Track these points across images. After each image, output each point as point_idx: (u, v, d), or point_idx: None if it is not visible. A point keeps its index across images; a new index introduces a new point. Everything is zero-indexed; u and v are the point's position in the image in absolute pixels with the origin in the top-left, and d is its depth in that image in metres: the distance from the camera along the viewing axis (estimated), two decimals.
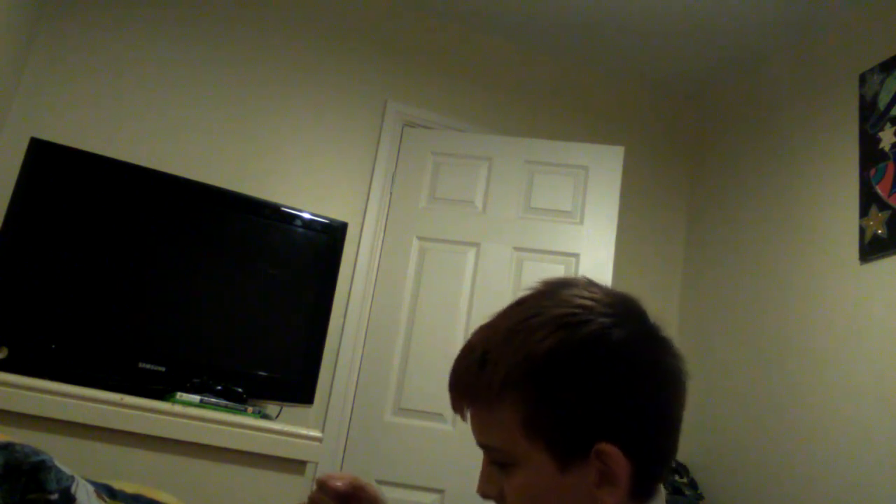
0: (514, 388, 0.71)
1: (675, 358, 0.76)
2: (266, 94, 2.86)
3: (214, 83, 2.79)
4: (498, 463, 0.74)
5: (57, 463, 0.89)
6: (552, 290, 0.76)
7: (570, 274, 2.77)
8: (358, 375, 2.75)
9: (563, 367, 0.70)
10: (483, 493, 0.76)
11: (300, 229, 2.58)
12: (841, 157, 2.58)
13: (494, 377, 0.72)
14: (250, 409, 2.09)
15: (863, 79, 2.54)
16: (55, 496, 0.85)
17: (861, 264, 2.39)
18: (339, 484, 0.88)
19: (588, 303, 0.73)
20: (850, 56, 2.65)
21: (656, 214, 3.34)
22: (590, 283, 0.77)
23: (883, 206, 2.34)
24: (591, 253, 2.79)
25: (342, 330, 2.76)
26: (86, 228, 2.26)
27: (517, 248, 2.83)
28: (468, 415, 0.76)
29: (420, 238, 2.88)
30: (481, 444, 0.75)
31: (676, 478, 2.74)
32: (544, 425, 0.70)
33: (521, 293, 0.78)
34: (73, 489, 0.88)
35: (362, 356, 2.77)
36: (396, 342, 2.77)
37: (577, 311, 0.72)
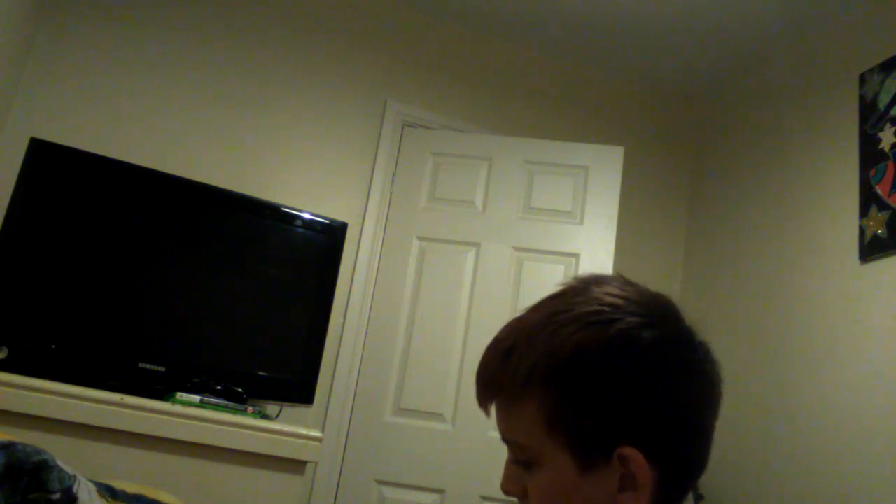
0: (538, 384, 0.69)
1: (709, 363, 0.73)
2: (266, 94, 2.86)
3: (214, 83, 2.79)
4: (521, 461, 0.72)
5: (59, 462, 0.89)
6: (584, 287, 0.74)
7: (571, 274, 2.77)
8: (358, 375, 2.75)
9: (587, 365, 0.68)
10: (506, 491, 0.75)
11: (300, 229, 2.58)
12: (841, 157, 2.58)
13: (519, 370, 0.70)
14: (250, 409, 2.09)
15: (863, 79, 2.54)
16: (57, 496, 0.85)
17: (861, 264, 2.39)
18: None
19: (619, 301, 0.71)
20: (850, 56, 2.65)
21: (656, 214, 3.34)
22: (624, 282, 0.75)
23: (883, 206, 2.34)
24: (591, 253, 2.79)
25: (342, 330, 2.76)
26: (85, 228, 2.25)
27: (517, 248, 2.83)
28: (492, 408, 0.74)
29: (420, 238, 2.88)
30: (505, 440, 0.74)
31: None
32: (566, 424, 0.68)
33: (556, 288, 0.75)
34: (74, 489, 0.88)
35: (362, 356, 2.77)
36: (396, 342, 2.77)
37: (606, 308, 0.70)
